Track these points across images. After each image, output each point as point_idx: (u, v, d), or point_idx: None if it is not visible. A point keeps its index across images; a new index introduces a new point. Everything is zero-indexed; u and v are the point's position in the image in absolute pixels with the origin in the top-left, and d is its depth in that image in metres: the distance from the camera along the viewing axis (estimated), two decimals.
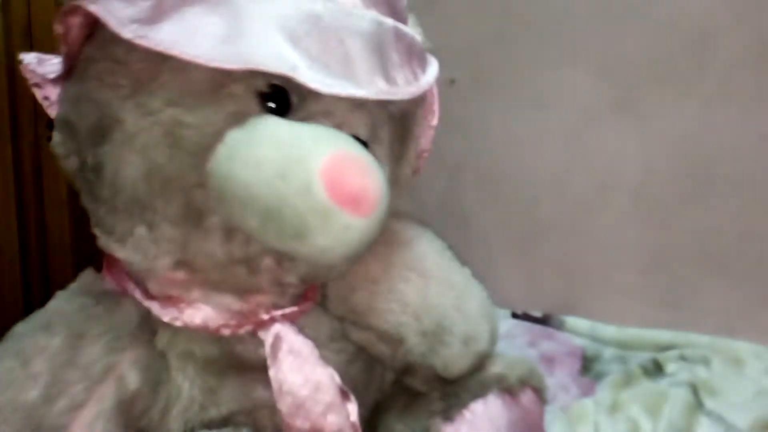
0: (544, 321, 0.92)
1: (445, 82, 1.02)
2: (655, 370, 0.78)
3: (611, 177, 0.89)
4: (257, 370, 0.41)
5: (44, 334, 0.38)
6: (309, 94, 0.37)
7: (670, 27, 0.83)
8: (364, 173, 0.36)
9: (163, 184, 0.37)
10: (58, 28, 0.39)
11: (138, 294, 0.41)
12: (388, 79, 0.38)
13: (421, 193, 1.07)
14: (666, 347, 0.83)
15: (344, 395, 0.43)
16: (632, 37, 0.85)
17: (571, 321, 0.90)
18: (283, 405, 0.40)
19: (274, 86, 0.37)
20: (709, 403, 0.70)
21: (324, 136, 0.37)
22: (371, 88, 0.37)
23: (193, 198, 0.37)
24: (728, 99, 0.80)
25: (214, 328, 0.40)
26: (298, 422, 0.40)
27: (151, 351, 0.40)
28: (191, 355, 0.41)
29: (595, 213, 0.91)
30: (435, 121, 0.49)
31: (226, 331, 0.41)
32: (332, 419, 0.41)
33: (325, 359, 0.43)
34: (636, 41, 0.85)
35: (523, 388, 0.48)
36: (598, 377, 0.79)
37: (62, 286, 0.43)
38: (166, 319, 0.40)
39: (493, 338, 0.50)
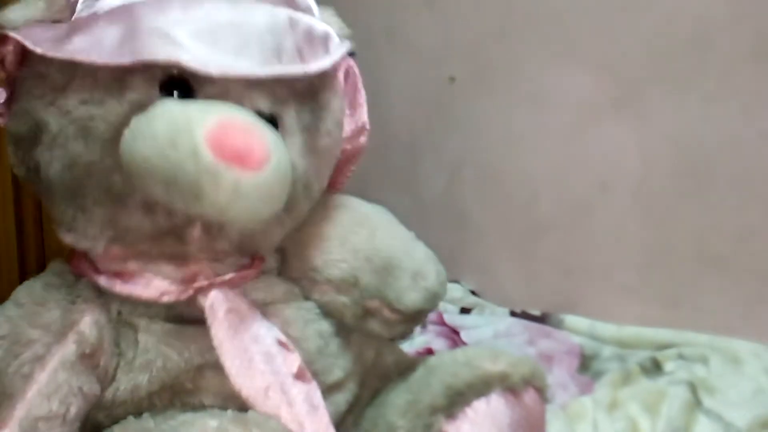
0: (542, 319, 0.92)
1: (445, 79, 1.03)
2: (654, 368, 0.78)
3: (611, 175, 0.89)
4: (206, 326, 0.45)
5: (12, 306, 0.45)
6: (205, 80, 0.42)
7: (670, 24, 0.83)
8: (248, 132, 0.40)
9: (85, 171, 0.42)
10: None
11: (91, 273, 0.46)
12: (282, 60, 0.43)
13: (420, 191, 1.07)
14: (665, 346, 0.83)
15: (285, 346, 0.46)
16: (632, 34, 0.85)
17: (570, 319, 0.90)
18: (226, 363, 0.43)
19: (170, 76, 0.42)
20: (708, 401, 0.70)
21: (210, 107, 0.41)
22: (264, 68, 0.42)
23: (112, 180, 0.42)
24: (728, 96, 0.80)
25: (156, 297, 0.45)
26: (241, 380, 0.43)
27: (107, 314, 0.45)
28: (143, 311, 0.46)
29: (595, 211, 0.91)
30: (362, 99, 0.54)
31: (166, 298, 0.45)
32: (269, 369, 0.44)
33: (287, 317, 0.48)
34: (636, 38, 0.85)
35: (526, 388, 0.48)
36: (597, 376, 0.79)
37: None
38: (115, 289, 0.45)
39: (440, 279, 0.54)
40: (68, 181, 0.43)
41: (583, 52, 0.89)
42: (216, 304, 0.44)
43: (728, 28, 0.79)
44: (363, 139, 0.55)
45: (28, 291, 0.46)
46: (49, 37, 0.42)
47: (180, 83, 0.42)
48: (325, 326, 0.51)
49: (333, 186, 0.54)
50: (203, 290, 0.45)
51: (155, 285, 0.45)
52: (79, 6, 0.43)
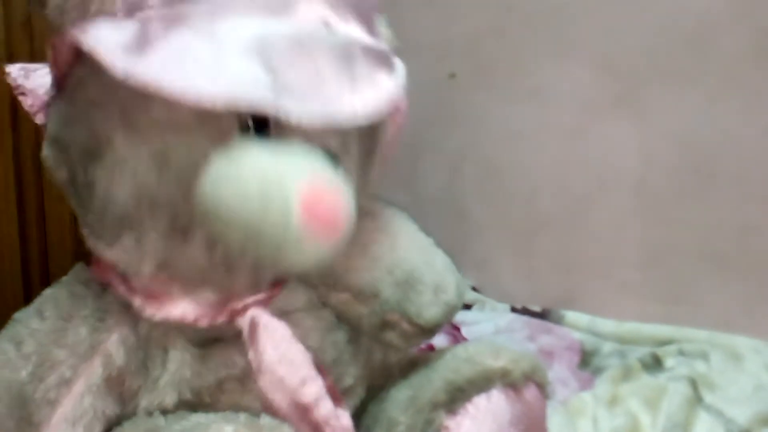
0: (543, 315, 0.93)
1: (446, 76, 1.03)
2: (654, 364, 0.79)
3: (611, 171, 0.89)
4: (238, 341, 0.44)
5: (36, 318, 0.42)
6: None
7: (671, 21, 0.83)
8: (336, 199, 0.38)
9: (152, 203, 0.40)
10: (48, 51, 0.41)
11: (122, 288, 0.43)
12: (355, 92, 0.39)
13: (420, 187, 1.07)
14: (665, 342, 0.83)
15: (320, 370, 0.45)
16: (633, 30, 0.85)
17: (570, 315, 0.91)
18: (263, 382, 0.43)
19: (255, 115, 0.40)
20: (708, 397, 0.71)
21: (300, 159, 0.39)
22: (342, 111, 0.38)
23: (180, 215, 0.40)
24: (730, 93, 0.80)
25: (191, 321, 0.43)
26: (278, 397, 0.42)
27: (136, 332, 0.43)
28: (173, 336, 0.44)
29: (595, 207, 0.91)
30: (401, 119, 0.50)
31: (203, 322, 0.43)
32: (308, 390, 0.43)
33: (307, 327, 0.47)
34: (637, 35, 0.85)
35: (527, 383, 0.48)
36: (597, 371, 0.79)
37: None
38: (146, 313, 0.43)
39: (459, 291, 0.54)
40: (131, 206, 0.40)
41: (583, 49, 0.89)
42: (254, 324, 0.43)
43: (729, 26, 0.79)
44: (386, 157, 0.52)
45: (53, 302, 0.43)
46: (119, 42, 0.36)
47: (260, 120, 0.40)
48: (340, 336, 0.50)
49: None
50: (239, 313, 0.44)
51: (191, 309, 0.43)
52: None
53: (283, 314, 0.46)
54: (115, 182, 0.40)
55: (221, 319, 0.44)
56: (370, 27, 0.44)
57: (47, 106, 0.45)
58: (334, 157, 0.41)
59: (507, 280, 1.00)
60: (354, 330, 0.51)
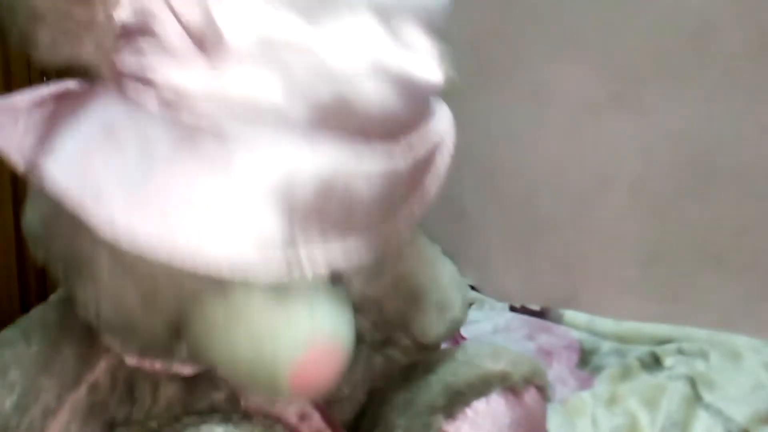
0: (542, 314, 0.92)
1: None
2: (653, 363, 0.78)
3: (610, 170, 0.89)
4: None
5: (23, 343, 0.41)
6: None
7: (670, 19, 0.82)
8: (332, 369, 0.36)
9: (134, 328, 0.37)
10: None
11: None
12: (390, 220, 0.36)
13: None
14: (664, 341, 0.83)
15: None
16: (632, 29, 0.85)
17: (569, 314, 0.90)
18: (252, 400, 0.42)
19: None
20: (707, 396, 0.71)
21: (300, 329, 0.35)
22: (368, 242, 0.35)
23: (166, 338, 0.38)
24: (729, 91, 0.80)
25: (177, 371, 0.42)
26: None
27: (124, 360, 0.42)
28: (164, 372, 0.42)
29: (594, 206, 0.91)
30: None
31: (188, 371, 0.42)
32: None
33: None
34: (636, 34, 0.85)
35: (527, 387, 0.47)
36: (596, 371, 0.79)
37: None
38: (134, 363, 0.41)
39: (464, 307, 0.53)
40: (110, 323, 0.38)
41: (583, 47, 0.89)
42: None
43: (729, 24, 0.79)
44: None
45: (41, 327, 0.42)
46: (114, 185, 0.31)
47: None
48: None
49: None
50: None
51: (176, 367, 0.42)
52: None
53: None
54: (96, 302, 0.36)
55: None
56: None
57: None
58: (339, 281, 0.38)
59: (506, 279, 1.00)
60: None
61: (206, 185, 0.30)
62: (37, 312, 0.43)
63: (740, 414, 0.67)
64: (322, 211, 0.32)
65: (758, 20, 0.77)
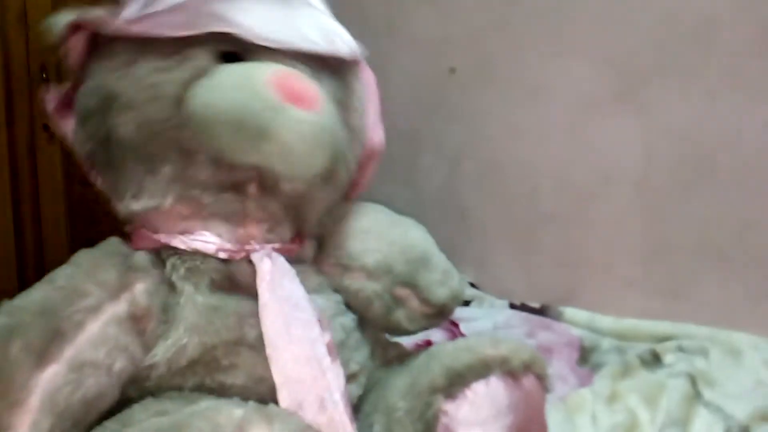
0: (542, 312, 0.92)
1: (446, 71, 1.03)
2: (654, 360, 0.79)
3: (612, 168, 0.89)
4: (252, 294, 0.48)
5: (70, 266, 0.48)
6: (256, 53, 0.48)
7: (673, 17, 0.82)
8: (303, 80, 0.47)
9: (156, 130, 0.47)
10: (63, 53, 0.51)
11: (151, 237, 0.50)
12: (318, 44, 0.50)
13: (420, 183, 1.07)
14: (664, 338, 0.83)
15: (321, 323, 0.48)
16: (635, 26, 0.85)
17: (570, 312, 0.91)
18: (267, 320, 0.46)
19: (227, 51, 0.48)
20: (708, 393, 0.71)
21: (267, 64, 0.47)
22: (305, 44, 0.49)
23: (181, 137, 0.47)
24: (732, 88, 0.80)
25: (213, 251, 0.49)
26: (281, 341, 0.46)
27: (161, 282, 0.48)
28: (197, 270, 0.49)
29: (596, 204, 0.91)
30: (375, 97, 0.58)
31: (223, 255, 0.49)
32: (305, 336, 0.47)
33: (319, 307, 0.50)
34: (639, 31, 0.85)
35: (526, 372, 0.49)
36: (596, 368, 0.79)
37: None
38: (174, 242, 0.49)
39: (462, 283, 0.61)
40: (140, 140, 0.48)
41: (585, 44, 0.89)
42: (266, 264, 0.49)
43: (731, 22, 0.79)
44: (379, 136, 0.58)
45: (85, 255, 0.49)
46: (119, 23, 0.48)
47: (235, 56, 0.48)
48: (348, 320, 0.54)
49: (356, 185, 0.57)
50: (255, 252, 0.49)
51: (213, 241, 0.49)
52: (135, 7, 0.49)
53: None
54: (123, 124, 0.48)
55: (239, 255, 0.49)
56: None
57: (71, 104, 0.52)
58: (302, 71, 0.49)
59: (506, 277, 1.00)
60: (362, 317, 0.55)
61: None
62: (81, 250, 0.50)
63: (740, 411, 0.67)
64: (268, 12, 0.50)
65: (760, 18, 0.77)
